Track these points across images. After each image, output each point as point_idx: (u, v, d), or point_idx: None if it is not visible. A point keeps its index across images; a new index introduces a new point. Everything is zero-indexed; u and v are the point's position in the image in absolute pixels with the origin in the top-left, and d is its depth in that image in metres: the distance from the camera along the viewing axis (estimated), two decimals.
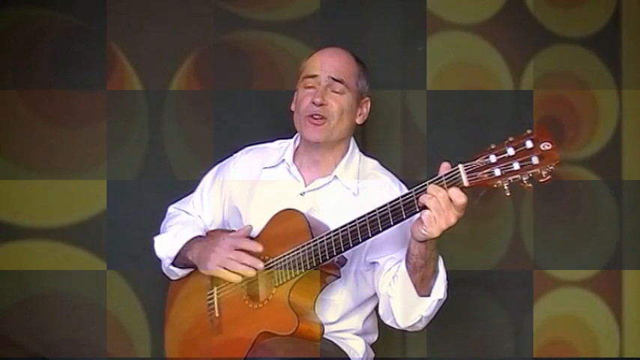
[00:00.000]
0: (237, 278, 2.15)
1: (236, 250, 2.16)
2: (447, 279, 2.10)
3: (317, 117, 2.26)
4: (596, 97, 3.09)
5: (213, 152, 2.53)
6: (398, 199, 1.98)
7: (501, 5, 2.99)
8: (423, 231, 1.94)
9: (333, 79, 2.28)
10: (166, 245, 2.33)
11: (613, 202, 3.09)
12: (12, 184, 2.71)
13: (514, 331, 3.01)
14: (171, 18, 2.80)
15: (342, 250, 2.06)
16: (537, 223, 3.01)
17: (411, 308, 2.10)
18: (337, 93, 2.28)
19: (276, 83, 2.77)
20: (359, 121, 2.36)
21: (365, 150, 2.76)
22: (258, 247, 2.15)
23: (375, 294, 2.25)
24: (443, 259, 2.10)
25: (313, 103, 2.26)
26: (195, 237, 2.31)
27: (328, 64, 2.30)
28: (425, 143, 2.91)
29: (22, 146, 2.73)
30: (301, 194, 2.29)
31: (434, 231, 1.93)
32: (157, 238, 2.36)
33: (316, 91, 2.27)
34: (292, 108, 2.36)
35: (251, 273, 2.14)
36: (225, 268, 2.16)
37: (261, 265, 2.14)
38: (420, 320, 2.12)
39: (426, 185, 1.93)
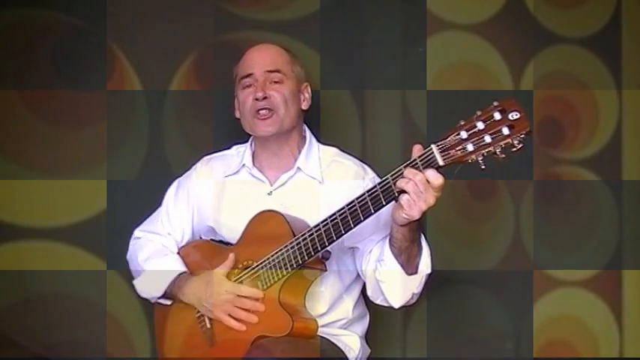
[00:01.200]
0: (241, 327, 2.16)
1: (237, 296, 2.16)
2: (431, 252, 2.12)
3: (263, 111, 2.26)
4: (596, 97, 3.09)
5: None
6: (375, 186, 1.99)
7: (501, 5, 2.99)
8: (404, 215, 1.95)
9: (269, 71, 2.29)
10: (148, 288, 2.33)
11: (613, 202, 3.09)
12: (12, 184, 2.71)
13: (514, 331, 3.01)
14: (172, 18, 2.80)
15: (327, 244, 2.06)
16: (537, 223, 3.01)
17: (402, 289, 2.12)
18: (277, 83, 2.29)
19: None
20: (304, 106, 2.37)
21: (365, 150, 2.76)
22: (258, 294, 2.15)
23: (357, 276, 2.28)
24: (431, 253, 2.12)
25: (256, 99, 2.26)
26: (180, 274, 2.29)
27: (260, 59, 2.32)
28: (425, 143, 2.90)
29: (23, 146, 2.73)
30: (269, 194, 2.29)
31: (414, 214, 1.94)
32: (136, 282, 2.37)
33: (256, 87, 2.28)
34: (237, 115, 2.36)
35: (254, 319, 2.14)
36: (230, 316, 2.17)
37: (262, 307, 2.14)
38: (412, 297, 2.15)
39: (401, 170, 1.94)
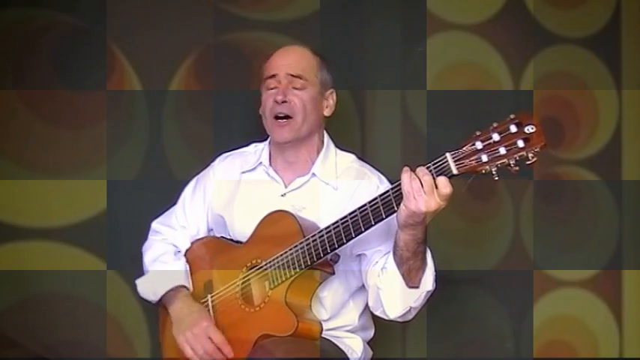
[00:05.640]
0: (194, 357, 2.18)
1: (208, 338, 2.17)
2: (435, 271, 2.11)
3: (281, 116, 2.27)
4: (596, 97, 3.09)
5: (214, 152, 2.52)
6: (388, 191, 1.99)
7: (501, 5, 3.00)
8: (403, 206, 1.95)
9: (291, 75, 2.29)
10: (146, 292, 2.35)
11: (613, 202, 3.09)
12: (12, 184, 2.71)
13: (514, 331, 3.01)
14: (171, 18, 2.80)
15: (336, 246, 2.06)
16: (537, 223, 3.01)
17: (399, 299, 2.11)
18: (298, 89, 2.28)
19: None
20: (327, 113, 2.36)
21: (365, 150, 2.76)
22: (227, 348, 2.16)
23: (364, 286, 2.26)
24: (432, 253, 2.11)
25: (276, 101, 2.27)
26: (177, 286, 2.30)
27: (285, 62, 2.31)
28: (425, 143, 2.91)
29: (23, 146, 2.73)
30: (282, 195, 2.29)
31: (411, 205, 1.93)
32: (138, 282, 2.37)
33: (278, 90, 2.28)
34: (261, 112, 2.36)
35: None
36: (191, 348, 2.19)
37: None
38: (409, 311, 2.14)
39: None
